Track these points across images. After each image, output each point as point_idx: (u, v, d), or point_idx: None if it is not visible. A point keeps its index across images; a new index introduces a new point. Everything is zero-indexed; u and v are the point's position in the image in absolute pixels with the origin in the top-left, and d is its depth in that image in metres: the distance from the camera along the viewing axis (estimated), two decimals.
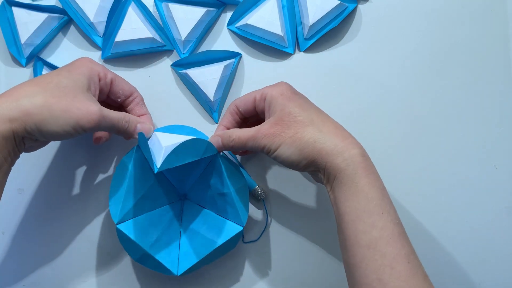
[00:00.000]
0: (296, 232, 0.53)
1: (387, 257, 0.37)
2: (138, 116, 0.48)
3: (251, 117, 0.48)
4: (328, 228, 0.52)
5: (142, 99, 0.50)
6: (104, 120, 0.42)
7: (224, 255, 0.49)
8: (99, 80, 0.45)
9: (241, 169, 0.52)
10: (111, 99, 0.48)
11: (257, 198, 0.52)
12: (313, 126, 0.42)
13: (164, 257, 0.46)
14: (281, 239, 0.53)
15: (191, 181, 0.50)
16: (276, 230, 0.53)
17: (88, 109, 0.40)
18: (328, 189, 0.42)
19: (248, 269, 0.53)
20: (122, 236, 0.46)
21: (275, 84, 0.46)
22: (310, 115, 0.43)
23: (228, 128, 0.47)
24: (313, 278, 0.52)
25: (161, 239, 0.47)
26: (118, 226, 0.46)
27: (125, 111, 0.49)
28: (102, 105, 0.43)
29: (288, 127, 0.42)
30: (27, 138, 0.41)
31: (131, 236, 0.45)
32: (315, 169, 0.42)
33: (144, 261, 0.47)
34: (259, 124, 0.44)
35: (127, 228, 0.46)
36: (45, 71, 0.52)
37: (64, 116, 0.39)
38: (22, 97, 0.39)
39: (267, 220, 0.53)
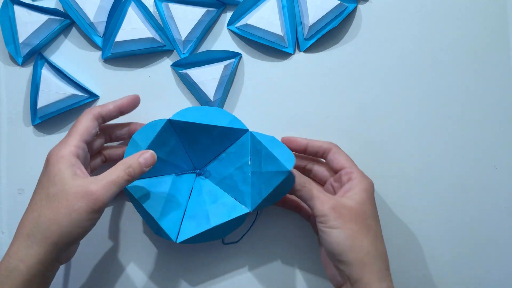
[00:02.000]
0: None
1: None
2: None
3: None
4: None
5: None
6: (107, 189, 0.40)
7: (222, 236, 0.49)
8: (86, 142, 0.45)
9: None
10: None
11: None
12: (375, 240, 0.42)
13: (166, 223, 0.46)
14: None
15: (209, 157, 0.50)
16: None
17: (85, 196, 0.40)
18: None
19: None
20: (129, 195, 0.46)
21: (363, 174, 0.46)
22: (378, 229, 0.44)
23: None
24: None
25: (166, 205, 0.47)
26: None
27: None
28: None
29: (356, 222, 0.42)
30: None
31: (136, 196, 0.46)
32: (344, 271, 0.42)
33: (149, 222, 0.47)
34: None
35: (134, 187, 0.46)
36: (45, 69, 0.52)
37: (73, 220, 0.39)
38: (32, 228, 0.40)
39: (255, 220, 0.52)
